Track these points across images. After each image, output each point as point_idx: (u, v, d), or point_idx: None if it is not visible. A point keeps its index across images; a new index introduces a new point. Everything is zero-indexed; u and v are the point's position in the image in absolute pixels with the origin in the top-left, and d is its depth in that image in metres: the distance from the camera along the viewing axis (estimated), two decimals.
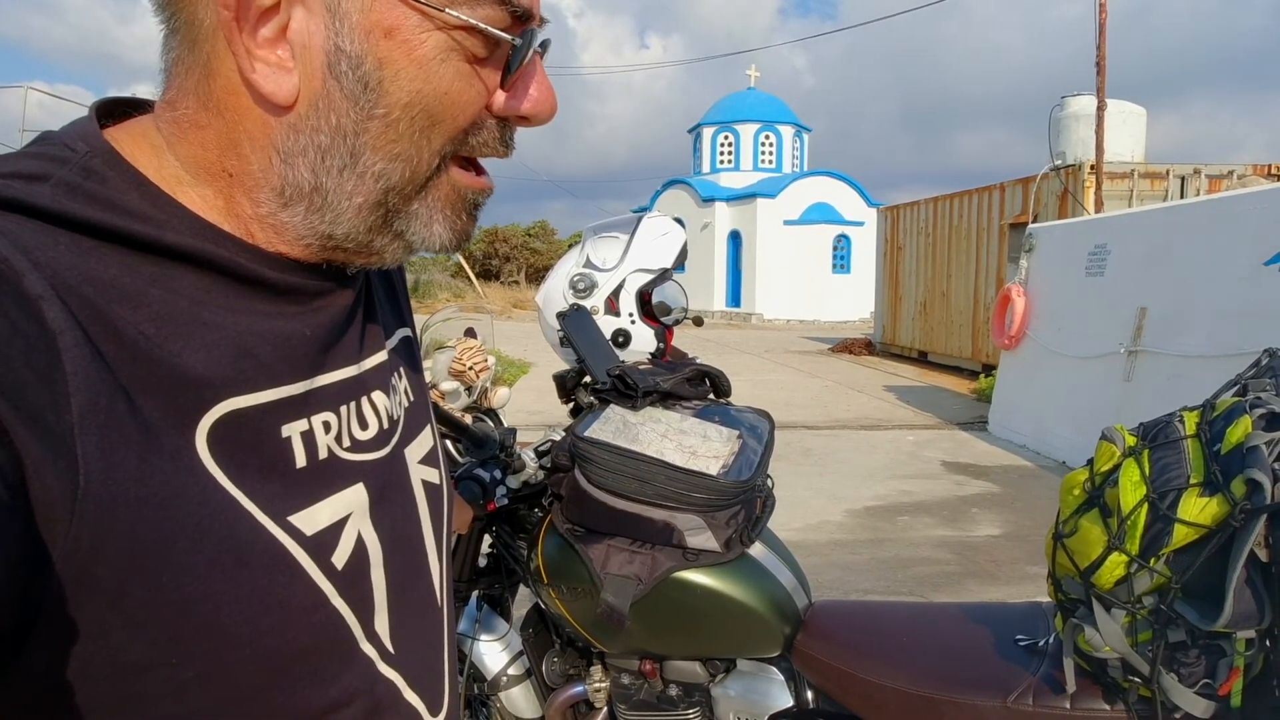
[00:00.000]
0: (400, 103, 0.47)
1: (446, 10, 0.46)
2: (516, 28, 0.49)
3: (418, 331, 0.74)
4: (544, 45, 0.54)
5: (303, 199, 0.49)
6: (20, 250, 0.40)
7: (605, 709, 1.57)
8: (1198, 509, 1.03)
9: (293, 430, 0.50)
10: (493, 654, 1.71)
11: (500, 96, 0.51)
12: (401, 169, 0.49)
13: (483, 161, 0.56)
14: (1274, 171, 9.28)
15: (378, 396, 0.58)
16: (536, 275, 35.89)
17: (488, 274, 35.41)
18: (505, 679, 1.70)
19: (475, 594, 1.76)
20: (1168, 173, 9.31)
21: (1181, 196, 8.93)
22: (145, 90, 0.53)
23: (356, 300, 0.58)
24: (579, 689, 1.59)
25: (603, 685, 1.55)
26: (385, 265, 0.55)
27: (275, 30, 0.45)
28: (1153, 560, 1.05)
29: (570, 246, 1.98)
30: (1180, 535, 1.03)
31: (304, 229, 0.50)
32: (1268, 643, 1.02)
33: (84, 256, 0.43)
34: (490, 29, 0.48)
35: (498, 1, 0.48)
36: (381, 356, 0.61)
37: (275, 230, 0.50)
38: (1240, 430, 1.05)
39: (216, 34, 0.46)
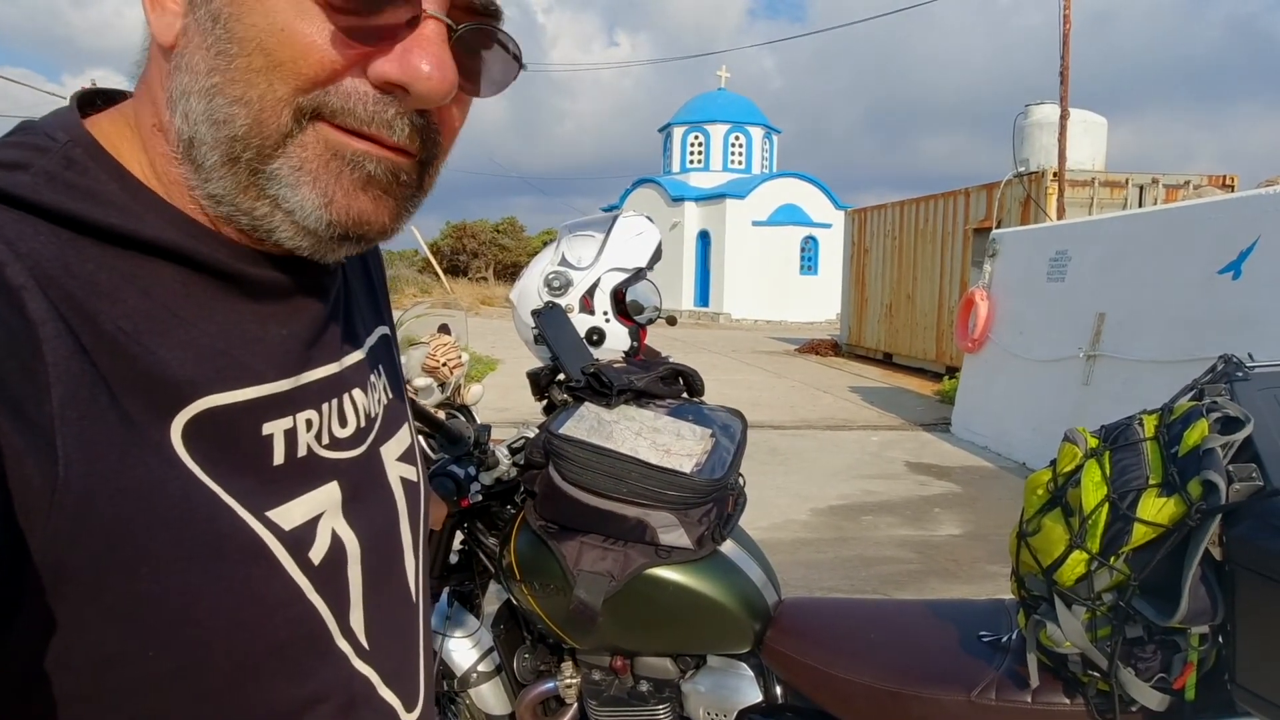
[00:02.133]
0: (240, 37, 0.44)
1: None
2: None
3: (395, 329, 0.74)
4: (477, 33, 0.49)
5: (188, 152, 0.46)
6: (2, 240, 0.40)
7: (576, 705, 1.58)
8: (1156, 509, 1.06)
9: (275, 428, 0.50)
10: (463, 651, 1.71)
11: (382, 61, 0.45)
12: (243, 115, 0.44)
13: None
14: (1228, 182, 9.54)
15: (357, 394, 0.58)
16: (504, 271, 35.71)
17: (455, 269, 35.14)
18: (475, 675, 1.70)
19: (446, 590, 1.76)
20: (1127, 181, 9.53)
21: (1140, 205, 9.15)
22: (100, 75, 0.53)
23: (335, 298, 0.58)
24: (550, 685, 1.59)
25: (573, 681, 1.55)
26: (283, 243, 0.49)
27: None
28: (1112, 558, 1.08)
29: (545, 244, 1.98)
30: (1139, 534, 1.06)
31: (199, 190, 0.47)
32: (1220, 638, 1.06)
33: (64, 249, 0.43)
34: None
35: None
36: (360, 354, 0.61)
37: (191, 198, 0.48)
38: (1197, 433, 1.09)
39: None
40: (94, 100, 0.52)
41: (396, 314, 1.71)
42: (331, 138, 0.46)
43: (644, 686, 1.52)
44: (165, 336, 0.45)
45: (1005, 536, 1.28)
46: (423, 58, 0.45)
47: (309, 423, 0.53)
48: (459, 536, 1.71)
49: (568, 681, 1.56)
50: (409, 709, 0.61)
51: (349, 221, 0.48)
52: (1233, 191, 8.82)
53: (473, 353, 10.34)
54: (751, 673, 1.50)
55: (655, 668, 1.51)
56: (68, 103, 0.50)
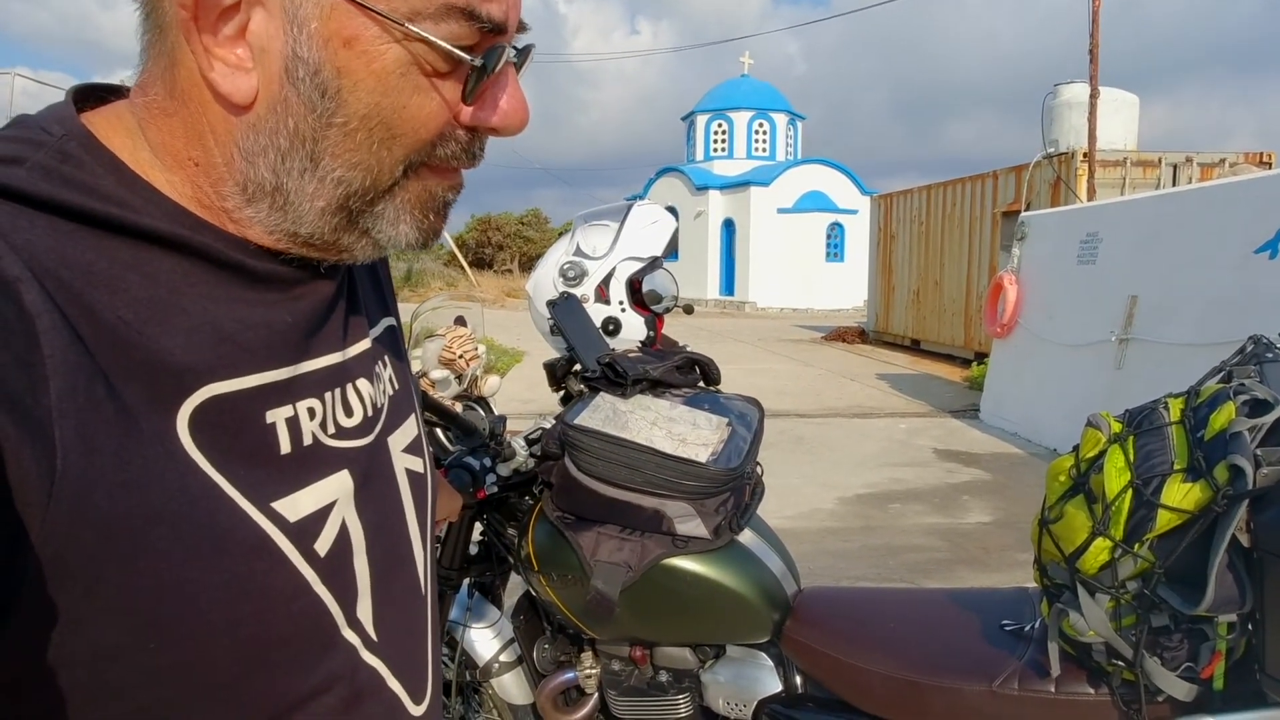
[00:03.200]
0: (358, 114, 0.47)
1: (406, 25, 0.45)
2: (487, 41, 0.48)
3: (406, 320, 0.74)
4: (522, 53, 0.53)
5: (265, 197, 0.49)
6: None
7: (596, 695, 1.58)
8: (1181, 495, 1.03)
9: (277, 416, 0.50)
10: (484, 641, 1.72)
11: (468, 108, 0.50)
12: (362, 177, 0.49)
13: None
14: (1266, 159, 9.30)
15: (362, 384, 0.58)
16: (530, 264, 35.76)
17: (481, 263, 35.30)
18: (497, 666, 1.71)
19: (466, 582, 1.77)
20: (1160, 161, 9.31)
21: (1174, 184, 8.94)
22: (128, 77, 0.53)
23: (339, 288, 0.58)
24: (570, 675, 1.59)
25: (593, 672, 1.56)
26: (356, 261, 0.54)
27: (235, 29, 0.45)
28: (1136, 545, 1.06)
29: (562, 235, 1.98)
30: (1163, 521, 1.04)
31: (270, 224, 0.50)
32: (1249, 626, 1.03)
33: (61, 240, 0.43)
34: (450, 48, 0.46)
35: (465, 17, 0.46)
36: (365, 344, 0.61)
37: (241, 223, 0.50)
38: (1224, 417, 1.06)
39: (179, 26, 0.45)
40: (90, 95, 0.52)
41: (414, 307, 1.72)
42: (430, 181, 0.52)
43: (663, 676, 1.52)
44: (168, 324, 0.45)
45: (1031, 523, 1.26)
46: (510, 102, 0.51)
47: (311, 411, 0.53)
48: (479, 528, 1.71)
49: (587, 672, 1.56)
50: (417, 701, 0.61)
51: (429, 240, 0.53)
52: (1270, 169, 8.60)
53: (497, 346, 10.40)
54: (771, 663, 1.49)
55: (674, 658, 1.51)
56: (64, 97, 0.51)
